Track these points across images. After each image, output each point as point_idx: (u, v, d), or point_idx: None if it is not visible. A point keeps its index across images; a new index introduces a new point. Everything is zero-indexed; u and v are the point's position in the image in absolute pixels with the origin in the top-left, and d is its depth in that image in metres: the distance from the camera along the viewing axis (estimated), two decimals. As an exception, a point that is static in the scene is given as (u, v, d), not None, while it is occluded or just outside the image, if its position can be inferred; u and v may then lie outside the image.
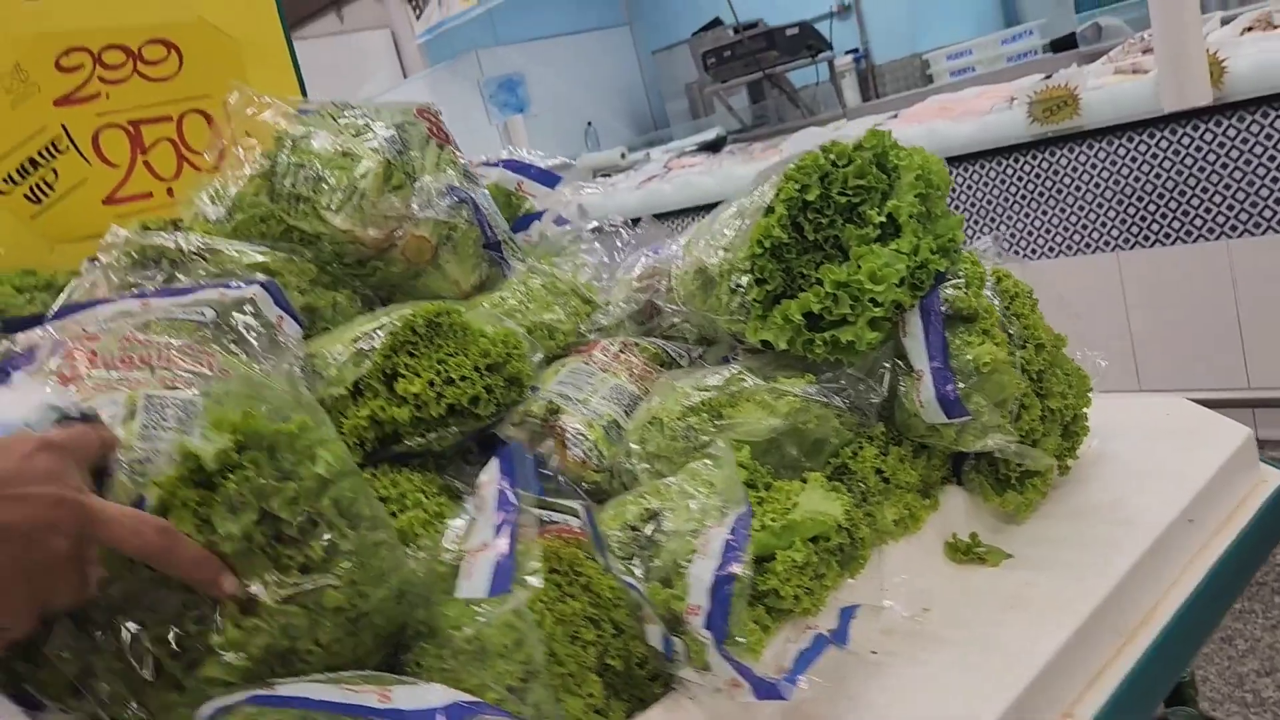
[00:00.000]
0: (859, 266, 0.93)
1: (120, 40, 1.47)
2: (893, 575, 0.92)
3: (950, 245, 0.97)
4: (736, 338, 1.02)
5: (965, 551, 1.00)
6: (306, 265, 1.09)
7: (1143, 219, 3.40)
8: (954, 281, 0.96)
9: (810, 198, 0.96)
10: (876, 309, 0.93)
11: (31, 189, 1.41)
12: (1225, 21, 3.99)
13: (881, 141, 0.98)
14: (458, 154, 1.17)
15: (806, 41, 5.98)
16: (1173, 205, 3.35)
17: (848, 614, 0.85)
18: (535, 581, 0.68)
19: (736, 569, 0.74)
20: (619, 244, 1.46)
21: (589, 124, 8.07)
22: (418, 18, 6.79)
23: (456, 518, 0.81)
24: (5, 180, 1.39)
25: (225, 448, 0.63)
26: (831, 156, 0.97)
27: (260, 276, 0.99)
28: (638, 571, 0.83)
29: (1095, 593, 0.90)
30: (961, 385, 0.93)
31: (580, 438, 1.00)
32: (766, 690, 0.74)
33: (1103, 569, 0.93)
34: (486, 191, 1.18)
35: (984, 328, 0.95)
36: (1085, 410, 1.11)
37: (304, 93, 1.69)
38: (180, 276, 1.02)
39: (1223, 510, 1.07)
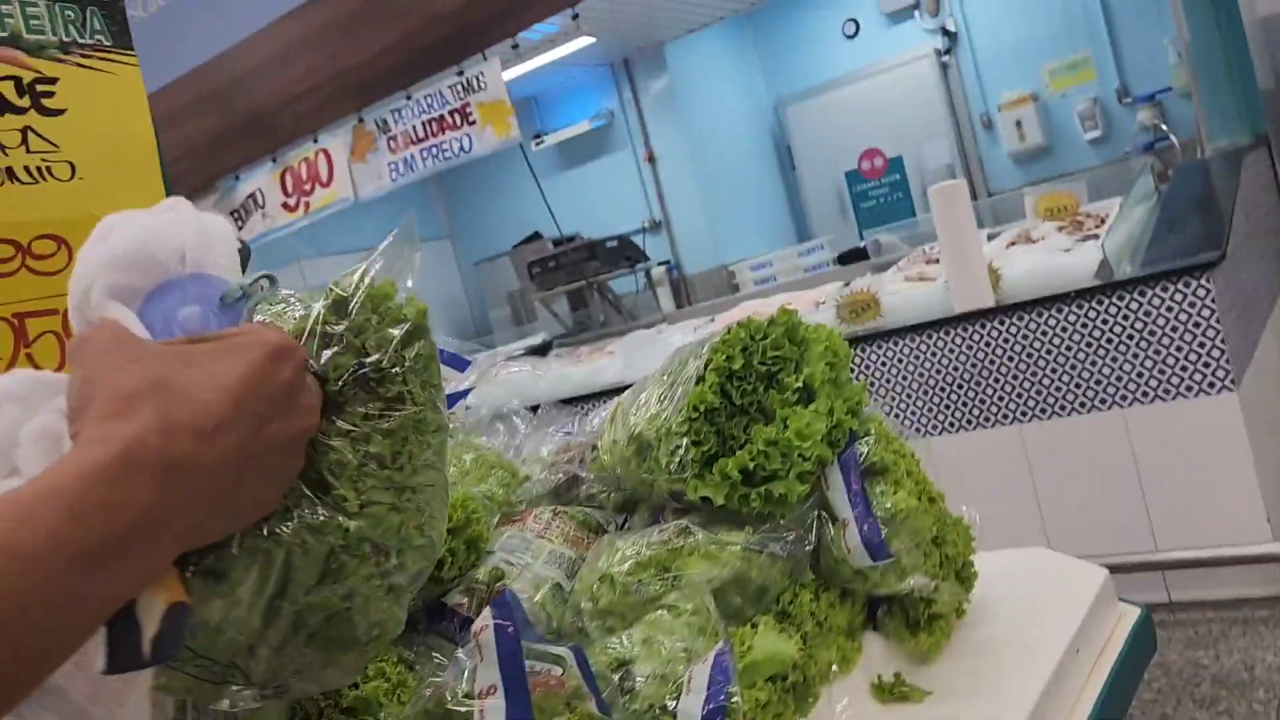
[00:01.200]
0: (786, 426, 1.04)
1: (10, 235, 1.46)
2: (839, 712, 0.99)
3: (858, 407, 1.10)
4: (674, 496, 1.10)
5: (891, 691, 1.07)
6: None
7: (945, 406, 3.75)
8: (866, 439, 1.08)
9: (735, 367, 1.07)
10: (805, 463, 1.03)
11: (-96, 382, 1.34)
12: (991, 237, 4.58)
13: (791, 318, 1.12)
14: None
15: (625, 253, 6.38)
16: (971, 394, 3.72)
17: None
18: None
19: (725, 700, 0.79)
20: (520, 426, 1.53)
21: (411, 331, 8.15)
22: (240, 230, 6.81)
23: (437, 675, 0.82)
24: (-123, 371, 1.32)
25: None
26: (750, 331, 1.10)
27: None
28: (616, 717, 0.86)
29: (1025, 706, 0.99)
30: (883, 530, 1.03)
31: (529, 600, 1.03)
32: (758, 820, 0.78)
33: (1017, 697, 1.03)
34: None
35: (895, 478, 1.07)
36: (971, 558, 1.23)
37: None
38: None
39: (1099, 641, 1.20)
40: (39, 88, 1.48)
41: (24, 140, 1.46)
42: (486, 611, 0.81)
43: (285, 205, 6.83)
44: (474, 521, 0.99)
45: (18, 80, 1.46)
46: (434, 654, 0.98)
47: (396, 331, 0.69)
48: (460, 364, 1.40)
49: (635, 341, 4.84)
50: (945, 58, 7.80)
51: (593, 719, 0.82)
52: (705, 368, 1.08)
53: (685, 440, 1.05)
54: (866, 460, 1.07)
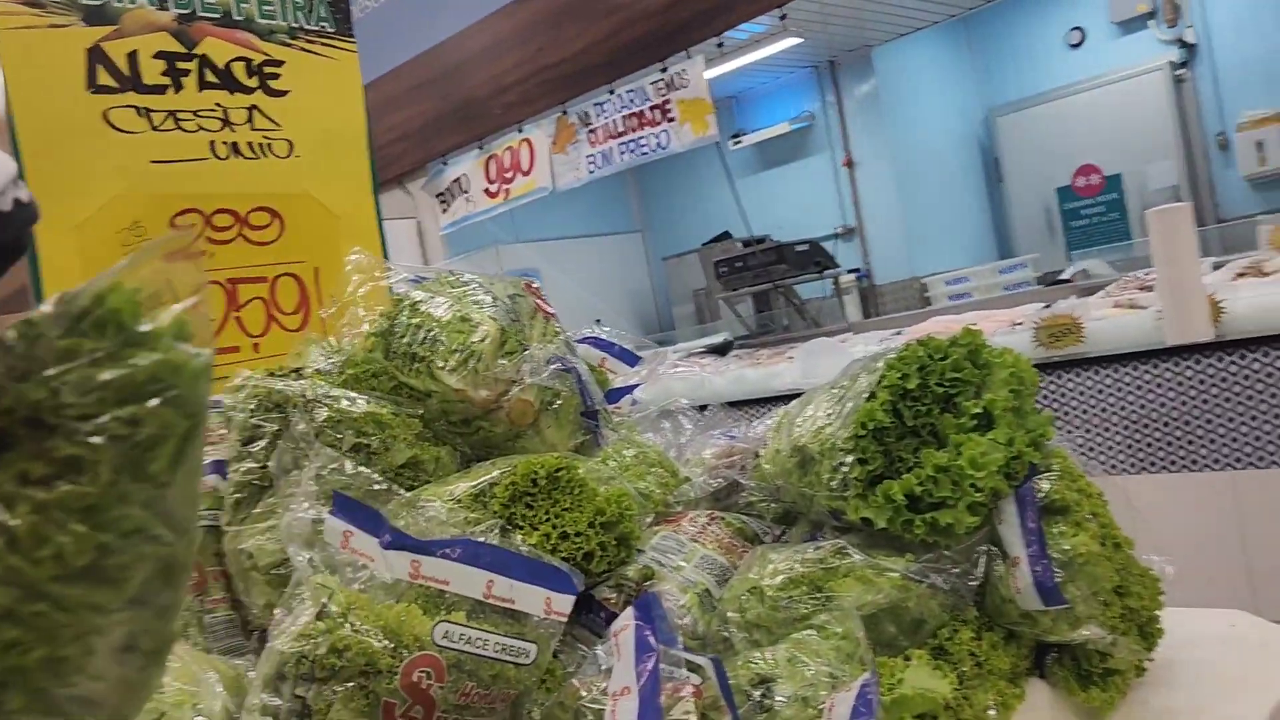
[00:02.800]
0: (959, 453, 0.98)
1: (231, 205, 1.57)
2: (992, 762, 0.93)
3: (1041, 439, 1.02)
4: (834, 514, 1.06)
5: (1054, 745, 1.00)
6: (413, 420, 1.13)
7: (1148, 445, 3.49)
8: (1048, 474, 1.01)
9: (910, 386, 1.02)
10: (977, 494, 0.97)
11: (130, 335, 1.47)
12: (1217, 267, 4.24)
13: (975, 339, 1.06)
14: (560, 328, 1.24)
15: (815, 258, 6.28)
16: (1177, 434, 3.45)
17: (956, 796, 0.84)
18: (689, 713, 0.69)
19: (867, 734, 0.76)
20: (686, 425, 1.52)
21: (597, 321, 8.32)
22: (443, 212, 7.13)
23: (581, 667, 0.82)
24: (107, 324, 1.45)
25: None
26: (929, 350, 1.04)
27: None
28: (752, 736, 0.83)
29: (1196, 792, 0.90)
30: (1058, 574, 0.96)
31: (676, 604, 1.02)
32: None
33: (1198, 771, 0.94)
34: (585, 365, 1.24)
35: (1077, 519, 0.99)
36: (1158, 613, 1.13)
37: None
38: (297, 425, 1.06)
39: (1301, 716, 1.08)
40: (266, 69, 1.58)
41: (250, 118, 1.57)
42: (628, 611, 0.80)
43: (487, 191, 7.09)
44: (626, 518, 0.98)
45: (248, 61, 1.57)
46: (580, 645, 0.98)
47: (109, 375, 0.43)
48: (631, 359, 1.41)
49: (816, 348, 4.74)
50: (1180, 70, 7.25)
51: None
52: (878, 384, 1.03)
53: (850, 458, 1.01)
54: (1047, 497, 1.00)
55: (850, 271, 7.28)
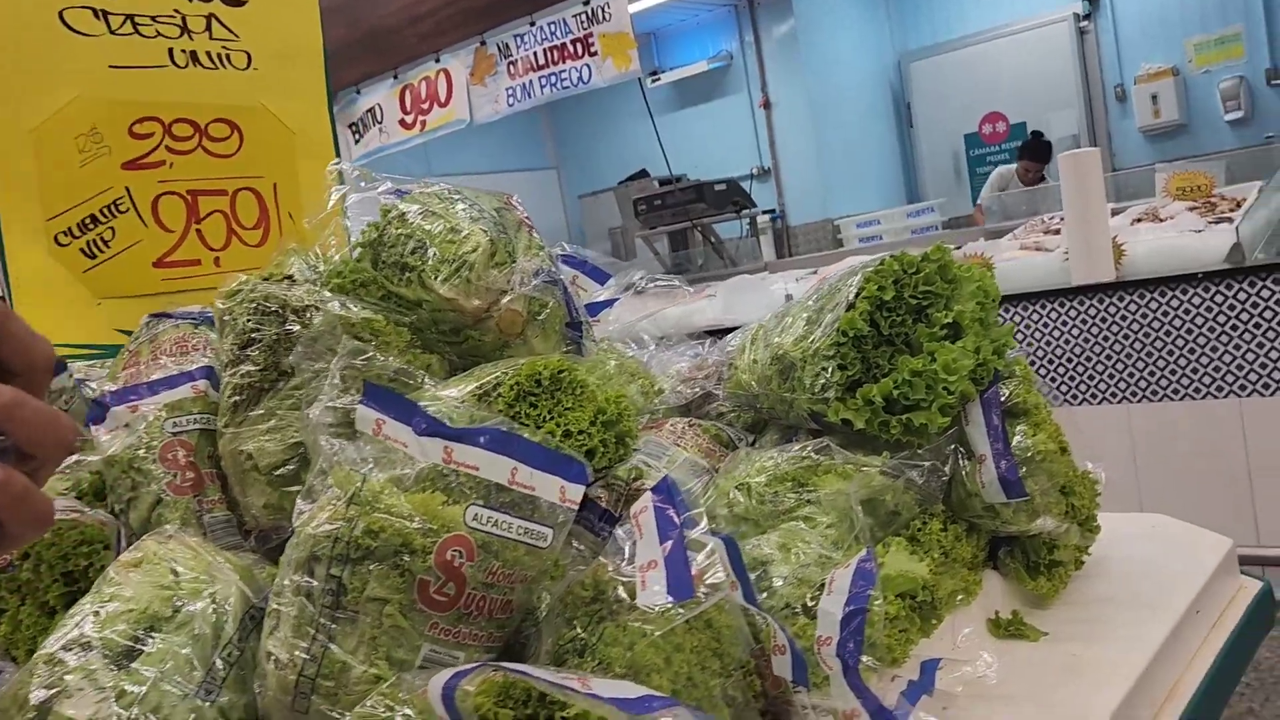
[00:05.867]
0: (933, 359, 1.06)
1: (190, 115, 1.54)
2: (959, 640, 1.02)
3: (1004, 348, 1.11)
4: (814, 417, 1.13)
5: (1008, 628, 1.10)
6: (403, 330, 1.15)
7: (1051, 379, 3.69)
8: (1010, 380, 1.09)
9: (886, 298, 1.09)
10: (948, 396, 1.05)
11: (88, 244, 1.44)
12: (1115, 213, 4.45)
13: (944, 255, 1.13)
14: (543, 242, 1.27)
15: (733, 198, 6.36)
16: (1079, 369, 3.65)
17: (932, 666, 0.93)
18: (719, 576, 0.75)
19: (866, 603, 0.83)
20: (650, 346, 1.57)
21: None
22: (356, 143, 6.96)
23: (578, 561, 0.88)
24: (65, 234, 1.42)
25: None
26: (903, 264, 1.11)
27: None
28: (752, 614, 0.90)
29: (1136, 664, 1.01)
30: (1019, 469, 1.05)
31: (666, 501, 1.08)
32: (885, 717, 0.82)
33: (1136, 645, 1.04)
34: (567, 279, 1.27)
35: (1035, 421, 1.08)
36: (1095, 512, 1.24)
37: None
38: (293, 329, 1.08)
39: (1218, 607, 1.20)
40: (225, -22, 1.55)
41: (208, 27, 1.54)
42: (646, 495, 0.85)
43: (403, 122, 6.95)
44: (625, 417, 1.03)
45: (208, -31, 1.53)
46: (573, 542, 1.03)
47: None
48: (601, 276, 1.45)
49: (738, 285, 4.84)
50: (1084, 23, 7.50)
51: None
52: (857, 296, 1.10)
53: (832, 364, 1.08)
54: (1009, 400, 1.08)
55: (766, 212, 7.38)
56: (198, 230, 1.53)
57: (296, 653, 0.80)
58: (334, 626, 0.79)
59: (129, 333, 1.26)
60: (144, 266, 1.48)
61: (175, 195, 1.51)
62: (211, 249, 1.55)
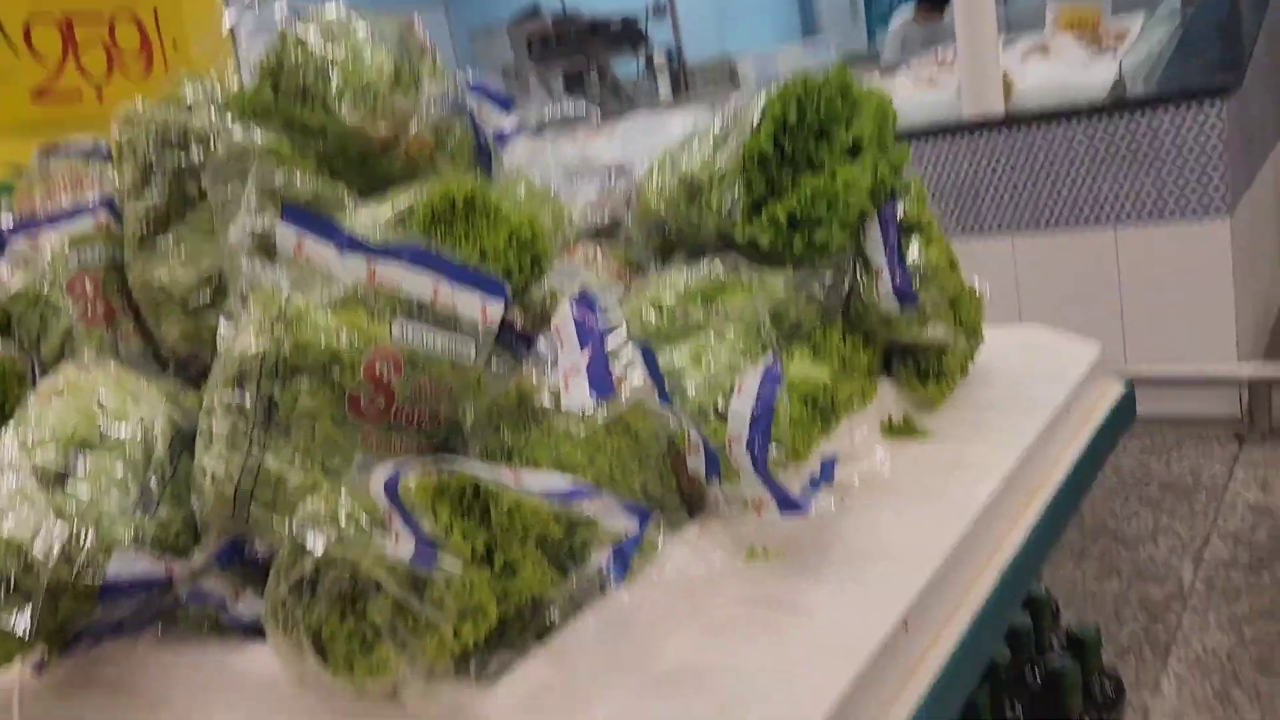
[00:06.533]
0: (834, 177, 1.10)
1: (58, -68, 1.43)
2: (856, 441, 1.10)
3: (900, 167, 1.16)
4: (721, 239, 1.17)
5: (899, 429, 1.19)
6: (309, 160, 1.14)
7: (945, 211, 3.81)
8: (905, 198, 1.15)
9: (790, 119, 1.12)
10: (848, 213, 1.10)
11: (-44, 73, 1.36)
12: (1005, 46, 4.51)
13: (844, 76, 1.16)
14: (447, 67, 1.25)
15: (629, 36, 6.21)
16: (968, 202, 3.78)
17: (831, 461, 1.01)
18: (638, 379, 0.79)
19: (774, 403, 0.89)
20: (554, 176, 1.58)
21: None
22: (228, -27, 6.51)
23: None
24: (-69, 63, 1.33)
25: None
26: (805, 86, 1.14)
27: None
28: (666, 419, 0.95)
29: (1011, 458, 1.11)
30: (913, 281, 1.12)
31: (580, 322, 1.12)
32: (790, 505, 0.89)
33: (1014, 441, 1.14)
34: (474, 105, 1.26)
35: (929, 236, 1.14)
36: (980, 323, 1.33)
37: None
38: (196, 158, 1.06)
39: (1085, 409, 1.32)
40: None
41: None
42: (566, 307, 0.89)
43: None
44: (540, 239, 1.05)
45: None
46: (494, 360, 1.06)
47: None
48: (505, 103, 1.44)
49: (637, 124, 4.79)
50: None
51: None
52: (761, 118, 1.12)
53: (738, 184, 1.11)
54: (905, 217, 1.14)
55: (662, 51, 7.24)
56: (76, 59, 1.45)
57: (232, 467, 0.83)
58: (268, 440, 0.82)
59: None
60: (21, 99, 1.40)
61: (49, 22, 1.42)
62: (92, 79, 1.47)
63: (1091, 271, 3.56)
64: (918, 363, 1.24)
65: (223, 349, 0.85)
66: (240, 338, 0.84)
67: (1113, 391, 1.39)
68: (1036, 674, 1.36)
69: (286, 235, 0.83)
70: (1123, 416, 1.36)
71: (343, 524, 0.70)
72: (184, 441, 0.92)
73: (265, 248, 0.87)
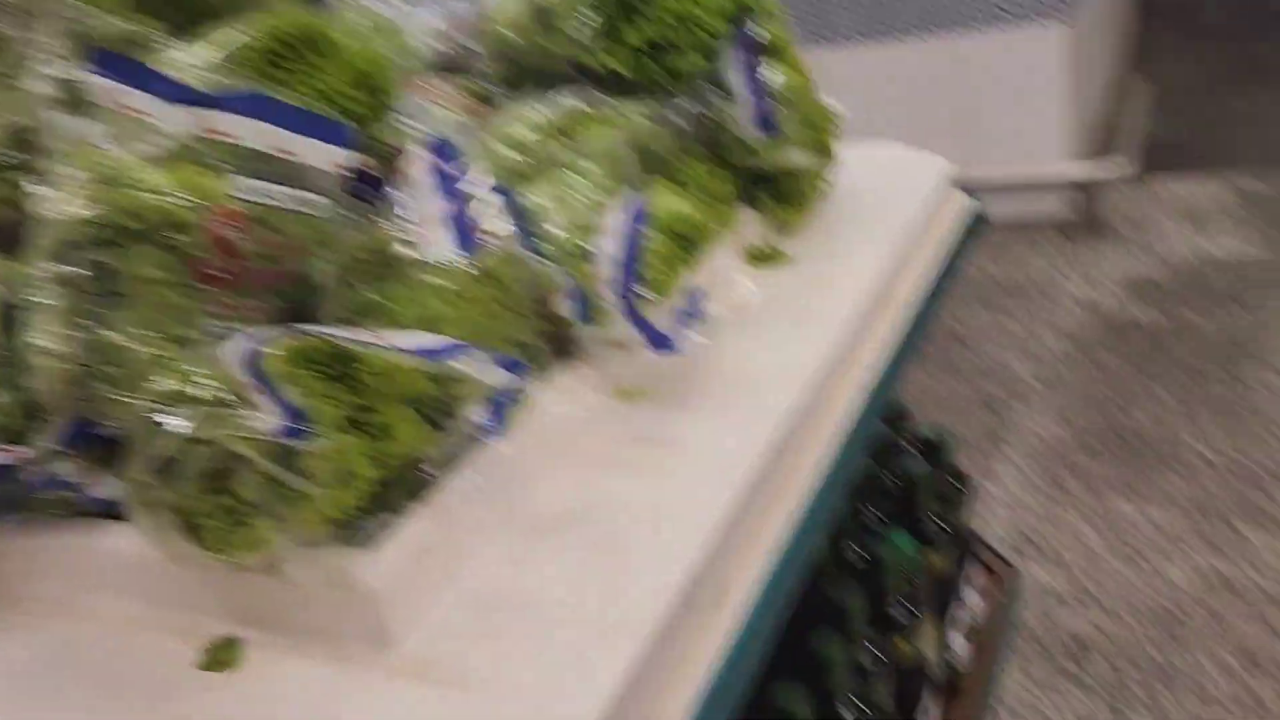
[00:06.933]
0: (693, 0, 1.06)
1: None
2: (721, 269, 1.11)
3: (758, -14, 1.12)
4: (578, 69, 1.12)
5: (762, 255, 1.20)
6: (114, -12, 1.02)
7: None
8: (764, 20, 1.12)
9: (641, -64, 1.06)
10: (707, 35, 1.07)
11: None
12: None
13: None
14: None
15: None
16: (812, 8, 3.73)
17: (699, 294, 1.01)
18: (501, 227, 0.77)
19: (641, 241, 0.88)
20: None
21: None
22: None
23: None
24: None
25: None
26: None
27: None
28: (532, 261, 0.93)
29: (872, 276, 1.14)
30: (774, 105, 1.10)
31: (434, 163, 1.07)
32: (661, 343, 0.90)
33: (871, 260, 1.18)
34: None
35: (788, 60, 1.12)
36: (836, 143, 1.33)
37: None
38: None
39: (939, 222, 1.36)
40: None
41: None
42: (419, 152, 0.84)
43: None
44: (385, 77, 0.98)
45: None
46: (343, 209, 1.01)
47: None
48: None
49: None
50: None
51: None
52: (612, -66, 1.06)
53: (589, 9, 1.06)
54: (764, 41, 1.11)
55: None
56: None
57: (70, 344, 0.77)
58: (107, 313, 0.76)
59: None
60: None
61: None
62: None
63: (931, 79, 3.61)
64: (777, 187, 1.25)
65: (41, 215, 0.78)
66: (61, 202, 0.76)
67: (964, 203, 1.44)
68: (893, 479, 1.46)
69: (99, 85, 0.75)
70: (975, 226, 1.41)
71: (200, 400, 0.67)
72: (9, 317, 0.85)
73: (75, 99, 0.78)
